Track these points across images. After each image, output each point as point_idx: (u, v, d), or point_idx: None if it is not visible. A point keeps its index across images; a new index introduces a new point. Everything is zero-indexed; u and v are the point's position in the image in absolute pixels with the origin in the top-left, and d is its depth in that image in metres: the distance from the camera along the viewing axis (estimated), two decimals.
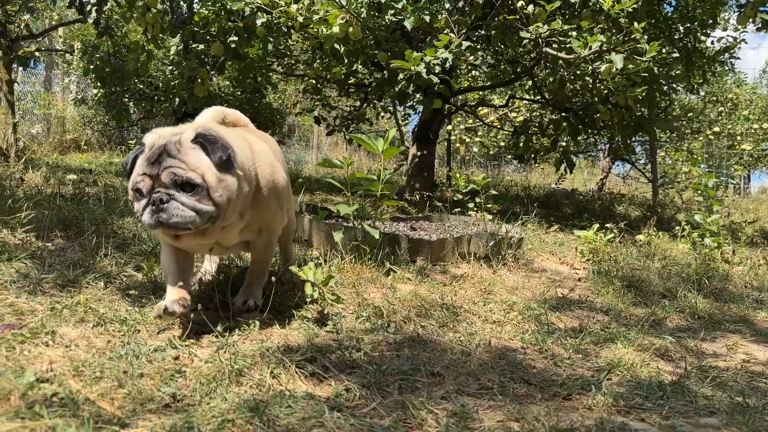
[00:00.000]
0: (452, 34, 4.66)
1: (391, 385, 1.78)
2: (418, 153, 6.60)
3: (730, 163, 12.82)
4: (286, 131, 11.60)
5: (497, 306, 2.83)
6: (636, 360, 2.24)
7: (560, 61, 4.94)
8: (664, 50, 5.15)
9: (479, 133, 12.56)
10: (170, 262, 2.14)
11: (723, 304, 3.45)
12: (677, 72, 5.75)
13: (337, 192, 5.82)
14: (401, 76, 4.69)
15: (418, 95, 6.32)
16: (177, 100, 6.42)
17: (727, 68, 7.99)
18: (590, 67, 5.31)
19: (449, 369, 1.98)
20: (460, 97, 8.54)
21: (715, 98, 11.45)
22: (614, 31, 4.73)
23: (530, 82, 7.24)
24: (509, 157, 12.25)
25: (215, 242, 2.12)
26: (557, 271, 3.91)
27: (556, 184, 9.98)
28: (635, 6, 4.54)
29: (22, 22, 7.26)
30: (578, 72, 5.65)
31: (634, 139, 8.14)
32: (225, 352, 1.86)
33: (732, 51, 6.61)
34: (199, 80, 5.70)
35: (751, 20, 5.14)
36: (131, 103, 8.55)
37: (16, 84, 7.58)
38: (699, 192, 5.27)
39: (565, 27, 4.63)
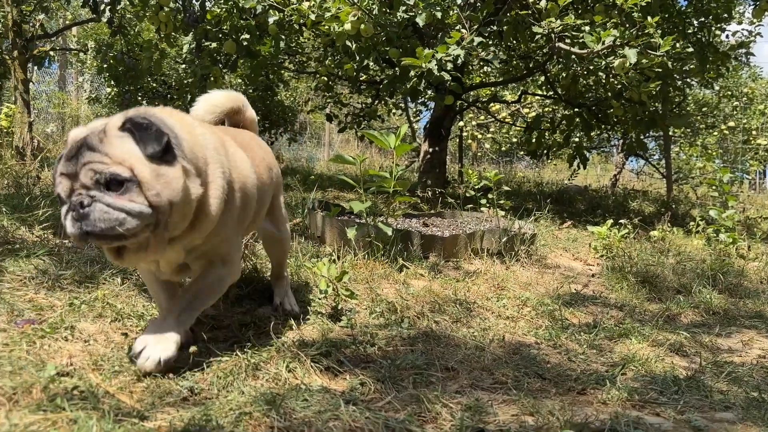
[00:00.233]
0: (464, 30, 4.66)
1: (406, 380, 1.79)
2: (430, 149, 6.59)
3: (746, 158, 12.70)
4: (297, 128, 11.62)
5: (510, 302, 2.83)
6: (650, 355, 2.23)
7: (573, 56, 4.93)
8: (678, 45, 5.11)
9: (491, 129, 12.52)
10: (158, 291, 1.88)
11: (738, 299, 3.42)
12: (691, 67, 5.70)
13: (349, 189, 5.84)
14: (413, 73, 4.69)
15: (429, 92, 6.31)
16: (190, 98, 6.47)
17: (742, 62, 7.90)
18: (603, 62, 5.29)
19: (463, 364, 1.99)
20: (471, 93, 8.52)
21: (729, 93, 11.32)
22: (627, 25, 4.70)
23: (543, 78, 7.20)
24: (521, 153, 12.22)
25: (168, 262, 1.75)
26: (570, 267, 3.90)
27: (569, 180, 9.94)
28: (649, 0, 4.50)
29: (36, 21, 7.34)
30: (591, 67, 5.62)
31: (648, 134, 8.08)
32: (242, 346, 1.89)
33: (748, 46, 6.53)
34: (211, 78, 5.73)
35: (766, 13, 5.09)
36: (144, 102, 8.61)
37: (31, 83, 7.65)
38: (714, 187, 5.24)
39: (578, 22, 4.61)
